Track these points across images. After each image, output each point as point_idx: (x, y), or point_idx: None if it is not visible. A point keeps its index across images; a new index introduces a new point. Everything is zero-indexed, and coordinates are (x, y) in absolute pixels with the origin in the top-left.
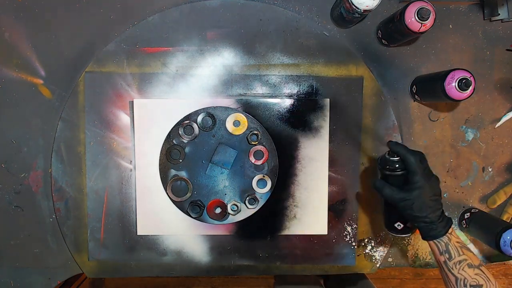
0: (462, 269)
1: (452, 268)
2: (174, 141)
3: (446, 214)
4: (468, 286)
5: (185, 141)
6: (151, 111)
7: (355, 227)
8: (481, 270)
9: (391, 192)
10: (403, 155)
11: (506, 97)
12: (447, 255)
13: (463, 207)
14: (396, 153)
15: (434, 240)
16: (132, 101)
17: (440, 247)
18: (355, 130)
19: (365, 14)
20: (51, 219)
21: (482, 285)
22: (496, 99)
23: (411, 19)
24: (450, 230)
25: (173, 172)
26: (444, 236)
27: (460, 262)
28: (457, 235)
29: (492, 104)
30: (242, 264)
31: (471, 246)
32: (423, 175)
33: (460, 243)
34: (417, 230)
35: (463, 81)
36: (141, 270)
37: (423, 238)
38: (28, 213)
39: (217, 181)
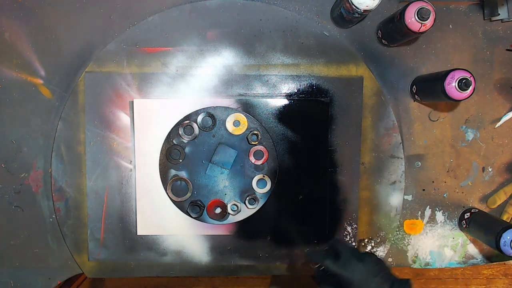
0: None
1: None
2: (174, 141)
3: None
4: None
5: (185, 141)
6: (151, 111)
7: (355, 227)
8: None
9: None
10: (320, 262)
11: (506, 97)
12: None
13: (463, 207)
14: (315, 261)
15: None
16: (132, 101)
17: None
18: (355, 130)
19: (365, 14)
20: (51, 219)
21: None
22: (496, 99)
23: (411, 19)
24: None
25: (173, 172)
26: None
27: None
28: None
29: (492, 104)
30: (242, 264)
31: (471, 246)
32: (346, 272)
33: None
34: None
35: (463, 81)
36: (141, 270)
37: None
38: (28, 213)
39: (217, 181)
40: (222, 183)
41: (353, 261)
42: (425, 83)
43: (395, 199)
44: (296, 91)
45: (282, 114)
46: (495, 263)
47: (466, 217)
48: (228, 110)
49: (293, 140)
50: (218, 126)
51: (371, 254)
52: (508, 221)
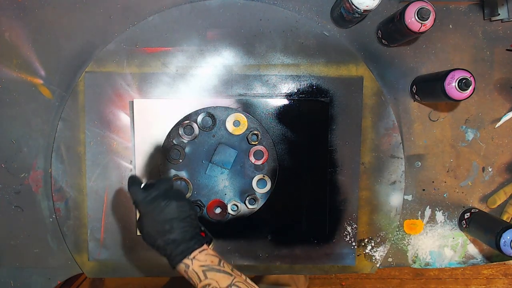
0: None
1: None
2: (174, 141)
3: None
4: None
5: (185, 141)
6: (151, 111)
7: (355, 227)
8: None
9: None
10: (128, 187)
11: (506, 97)
12: (191, 282)
13: (463, 207)
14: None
15: (177, 268)
16: (132, 101)
17: (183, 274)
18: (355, 130)
19: (365, 14)
20: (51, 219)
21: None
22: (496, 99)
23: (411, 19)
24: (192, 255)
25: (173, 172)
26: (181, 264)
27: (205, 286)
28: (205, 257)
29: (492, 104)
30: (242, 264)
31: (471, 246)
32: (143, 203)
33: (206, 266)
34: None
35: (463, 81)
36: (141, 270)
37: (170, 268)
38: (28, 213)
39: (217, 181)
40: (222, 183)
41: (157, 197)
42: (425, 83)
43: (395, 199)
44: (296, 91)
45: (282, 114)
46: (495, 263)
47: (466, 217)
48: (228, 110)
49: (293, 140)
50: (218, 126)
51: (182, 201)
52: (508, 221)
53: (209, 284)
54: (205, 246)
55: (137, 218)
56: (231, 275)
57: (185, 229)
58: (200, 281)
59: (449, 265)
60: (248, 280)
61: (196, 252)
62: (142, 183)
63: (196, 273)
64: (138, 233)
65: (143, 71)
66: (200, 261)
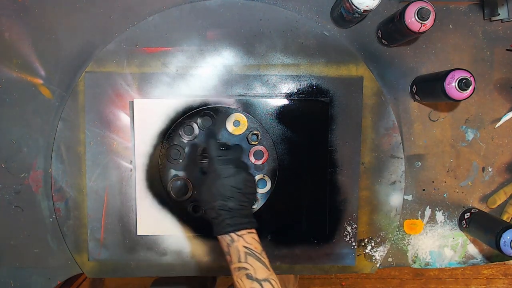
0: (240, 278)
1: (233, 273)
2: (174, 141)
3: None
4: None
5: (185, 141)
6: (151, 111)
7: (355, 227)
8: (261, 286)
9: (197, 175)
10: (206, 140)
11: (506, 97)
12: (228, 257)
13: (463, 207)
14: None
15: (220, 236)
16: (132, 101)
17: (223, 245)
18: (355, 130)
19: (365, 14)
20: (51, 219)
21: None
22: (496, 99)
23: (411, 19)
24: (241, 232)
25: (173, 172)
26: (227, 236)
27: (239, 269)
28: (252, 241)
29: (492, 104)
30: None
31: (471, 246)
32: (218, 161)
33: (250, 249)
34: None
35: (463, 81)
36: (141, 270)
37: (214, 234)
38: (28, 213)
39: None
40: None
41: (232, 161)
42: (425, 83)
43: (395, 199)
44: (296, 91)
45: (282, 114)
46: (495, 263)
47: (466, 217)
48: (228, 110)
49: (293, 140)
50: (218, 126)
51: (251, 180)
52: (508, 221)
53: (245, 268)
54: (254, 230)
55: (200, 170)
56: (269, 270)
57: (245, 204)
58: (239, 261)
59: (449, 265)
60: (278, 281)
61: (246, 231)
62: (218, 140)
63: (238, 252)
64: (138, 233)
65: (143, 71)
66: (246, 242)
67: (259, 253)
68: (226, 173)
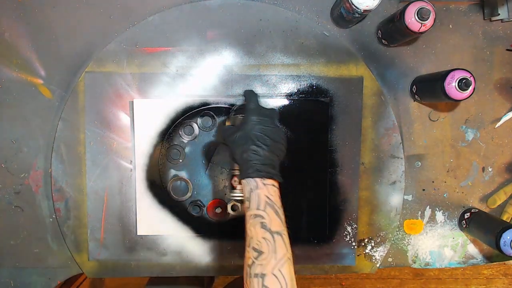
0: (254, 226)
1: (248, 220)
2: (174, 141)
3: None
4: (250, 246)
5: (185, 141)
6: (151, 111)
7: (355, 227)
8: (273, 238)
9: (226, 130)
10: (248, 97)
11: (506, 97)
12: (247, 203)
13: (463, 207)
14: (245, 97)
15: (244, 180)
16: (132, 101)
17: (246, 190)
18: (355, 130)
19: (365, 14)
20: (51, 219)
21: (262, 253)
22: (496, 99)
23: (411, 19)
24: (267, 181)
25: (173, 172)
26: (253, 180)
27: (255, 216)
28: (274, 193)
29: (492, 104)
30: (242, 264)
31: (471, 246)
32: (258, 113)
33: (270, 200)
34: None
35: (463, 81)
36: (141, 270)
37: (240, 177)
38: (28, 213)
39: (217, 181)
40: (222, 183)
41: (270, 118)
42: (425, 83)
43: (395, 199)
44: (296, 91)
45: (282, 114)
46: (495, 263)
47: (466, 217)
48: (228, 110)
49: (293, 140)
50: (218, 126)
51: (284, 138)
52: (508, 221)
53: (262, 217)
54: (278, 184)
55: (222, 124)
56: (283, 225)
57: (276, 158)
58: (257, 208)
59: (449, 265)
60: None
61: (271, 181)
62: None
63: (258, 198)
64: (138, 233)
65: (143, 71)
66: (269, 192)
67: (278, 207)
68: (266, 123)
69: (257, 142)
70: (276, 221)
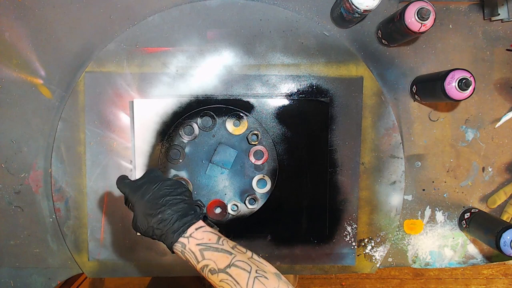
0: (207, 276)
1: (202, 275)
2: (174, 141)
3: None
4: None
5: (185, 141)
6: (151, 111)
7: (355, 227)
8: (228, 274)
9: (133, 226)
10: (117, 184)
11: (506, 97)
12: (190, 264)
13: (463, 207)
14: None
15: (174, 249)
16: (132, 101)
17: (179, 255)
18: (355, 130)
19: (365, 14)
20: (51, 219)
21: None
22: (496, 99)
23: (411, 19)
24: (188, 232)
25: (173, 172)
26: (177, 243)
27: (202, 269)
28: (203, 235)
29: (492, 104)
30: None
31: (471, 246)
32: (131, 192)
33: (203, 244)
34: None
35: (463, 81)
36: (141, 270)
37: (170, 250)
38: (28, 213)
39: (217, 181)
40: (222, 183)
41: (144, 183)
42: (425, 83)
43: (395, 199)
44: (296, 91)
45: (282, 114)
46: (495, 263)
47: (466, 217)
48: (228, 110)
49: (293, 140)
50: (218, 126)
51: (170, 181)
52: (508, 221)
53: (206, 265)
54: (201, 223)
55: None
56: (231, 253)
57: (179, 205)
58: (198, 262)
59: (449, 265)
60: (255, 257)
61: (193, 228)
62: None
63: (193, 253)
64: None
65: (143, 71)
66: (197, 239)
67: (215, 243)
68: (146, 192)
69: (153, 214)
70: (221, 257)
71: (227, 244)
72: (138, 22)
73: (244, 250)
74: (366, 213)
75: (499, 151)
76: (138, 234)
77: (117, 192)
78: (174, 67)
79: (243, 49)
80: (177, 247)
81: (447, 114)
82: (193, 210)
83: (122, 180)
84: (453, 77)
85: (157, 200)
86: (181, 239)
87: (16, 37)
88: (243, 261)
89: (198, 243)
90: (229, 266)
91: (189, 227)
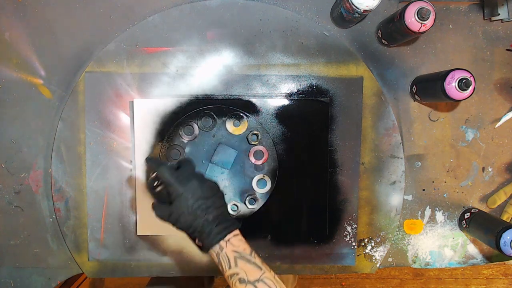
0: (234, 285)
1: (228, 282)
2: (174, 141)
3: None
4: None
5: (185, 141)
6: (151, 111)
7: (355, 227)
8: (256, 287)
9: (161, 212)
10: (155, 168)
11: (506, 97)
12: (220, 268)
13: (463, 207)
14: (151, 168)
15: (210, 251)
16: (132, 101)
17: (214, 257)
18: (355, 130)
19: (365, 14)
20: (51, 219)
21: None
22: (496, 99)
23: (411, 19)
24: (227, 237)
25: None
26: (216, 245)
27: (231, 276)
28: (239, 243)
29: (492, 104)
30: None
31: (471, 246)
32: (178, 182)
33: (238, 252)
34: None
35: (463, 81)
36: (141, 270)
37: (204, 250)
38: (28, 213)
39: (217, 181)
40: (222, 183)
41: (190, 176)
42: (425, 83)
43: (395, 199)
44: (296, 91)
45: (282, 114)
46: (495, 263)
47: (466, 217)
48: (228, 110)
49: (293, 140)
50: (218, 126)
51: (213, 182)
52: (508, 221)
53: (237, 274)
54: (238, 231)
55: (153, 204)
56: (261, 269)
57: (222, 208)
58: (230, 268)
59: (449, 265)
60: (277, 278)
61: (231, 235)
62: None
63: (228, 258)
64: (138, 233)
65: (143, 71)
66: (234, 245)
67: (248, 254)
68: (193, 188)
69: (200, 214)
70: (252, 270)
71: (258, 258)
72: (138, 22)
73: (269, 268)
74: (366, 213)
75: (499, 151)
76: (163, 221)
77: (117, 192)
78: (174, 67)
79: (243, 49)
80: (215, 248)
81: (447, 114)
82: (229, 215)
83: (162, 166)
84: (453, 77)
85: (205, 200)
86: (221, 242)
87: (16, 37)
88: (270, 279)
89: (235, 250)
90: (257, 280)
91: (230, 232)
